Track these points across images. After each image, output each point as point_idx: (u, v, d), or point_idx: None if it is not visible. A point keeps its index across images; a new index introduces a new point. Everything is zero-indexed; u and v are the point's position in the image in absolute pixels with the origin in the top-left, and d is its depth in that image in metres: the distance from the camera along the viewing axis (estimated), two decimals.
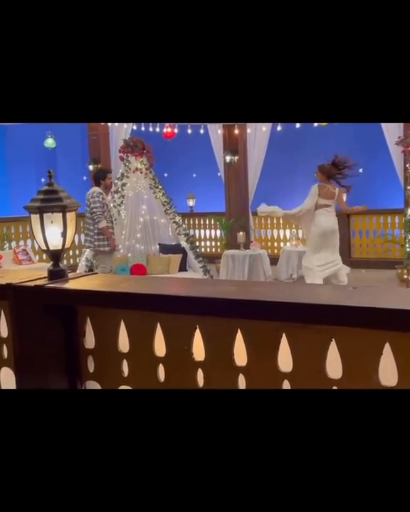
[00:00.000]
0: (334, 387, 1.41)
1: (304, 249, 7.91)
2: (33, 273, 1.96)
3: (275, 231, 9.91)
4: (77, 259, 8.58)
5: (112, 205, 7.26)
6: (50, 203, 1.80)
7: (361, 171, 9.92)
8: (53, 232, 1.82)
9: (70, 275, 1.90)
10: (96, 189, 6.39)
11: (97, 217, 6.18)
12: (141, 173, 7.29)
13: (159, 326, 1.65)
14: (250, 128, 9.10)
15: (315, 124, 8.31)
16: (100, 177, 6.50)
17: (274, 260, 8.19)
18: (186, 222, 9.34)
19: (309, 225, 6.34)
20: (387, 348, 1.35)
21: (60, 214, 1.81)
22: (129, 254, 7.35)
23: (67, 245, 1.86)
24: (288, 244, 8.84)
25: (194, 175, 11.19)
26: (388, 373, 1.37)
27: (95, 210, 6.19)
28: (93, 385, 1.81)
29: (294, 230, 9.15)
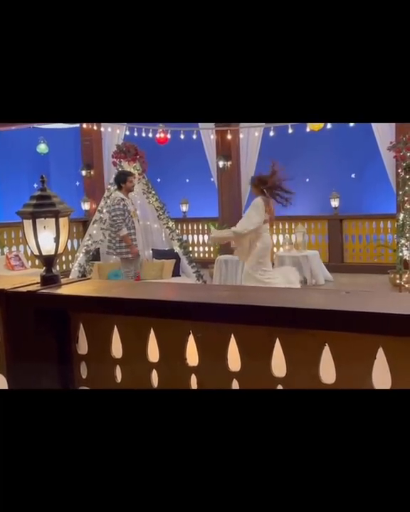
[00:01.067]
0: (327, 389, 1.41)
1: (297, 254, 7.94)
2: (26, 278, 1.96)
3: None
4: (70, 264, 8.56)
5: (104, 210, 7.26)
6: (42, 208, 1.80)
7: (353, 176, 10.00)
8: (46, 237, 1.82)
9: (63, 280, 1.90)
10: (117, 195, 6.28)
11: (117, 225, 6.08)
12: (134, 178, 7.29)
13: (152, 331, 1.64)
14: (243, 133, 9.13)
15: (307, 129, 8.34)
16: (121, 180, 6.31)
17: None
18: (179, 227, 9.35)
19: (247, 243, 5.76)
20: (380, 353, 1.36)
21: (53, 219, 1.81)
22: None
23: (60, 251, 1.86)
24: (282, 249, 8.86)
25: (187, 180, 11.21)
26: (381, 377, 1.37)
27: (115, 218, 6.10)
28: None
29: (287, 235, 9.18)
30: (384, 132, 8.27)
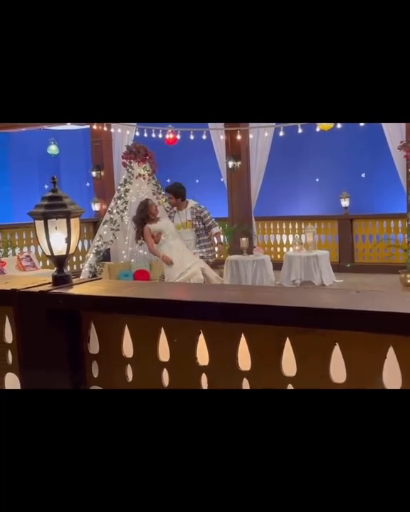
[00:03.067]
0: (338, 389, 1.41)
1: (307, 254, 7.92)
2: (38, 279, 1.97)
3: (277, 236, 9.92)
4: (81, 265, 8.60)
5: (114, 211, 7.29)
6: (54, 208, 1.82)
7: (363, 175, 9.96)
8: (57, 237, 1.83)
9: (74, 281, 1.91)
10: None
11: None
12: (144, 179, 7.32)
13: (162, 330, 1.65)
14: (253, 133, 9.12)
15: (317, 129, 8.32)
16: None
17: (277, 265, 8.19)
18: None
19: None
20: (391, 352, 1.36)
21: (65, 220, 1.82)
22: (132, 260, 7.37)
23: (71, 251, 1.87)
24: (291, 249, 8.84)
25: (197, 180, 11.22)
26: (392, 377, 1.37)
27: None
28: None
29: (297, 235, 9.16)
30: (394, 132, 8.23)
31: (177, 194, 6.27)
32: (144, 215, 5.99)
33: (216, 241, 6.46)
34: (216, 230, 6.33)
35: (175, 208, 6.39)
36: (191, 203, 6.35)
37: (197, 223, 6.25)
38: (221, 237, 6.52)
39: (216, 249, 6.52)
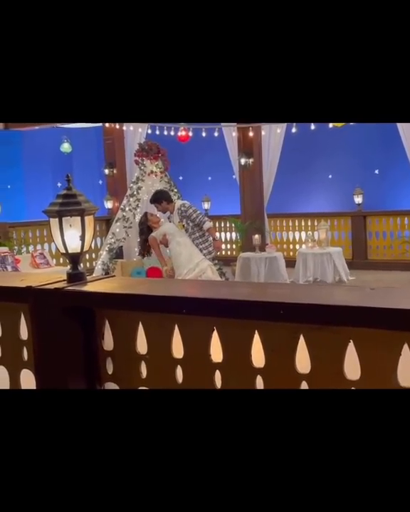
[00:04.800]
0: (353, 389, 1.41)
1: (321, 251, 7.89)
2: (53, 276, 1.99)
3: (290, 233, 9.89)
4: (93, 262, 8.64)
5: (127, 208, 7.32)
6: (68, 206, 1.83)
7: (377, 172, 9.89)
8: (72, 235, 1.85)
9: (88, 278, 1.93)
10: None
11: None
12: (156, 176, 7.34)
13: (176, 327, 1.66)
14: (265, 130, 9.10)
15: (330, 125, 8.28)
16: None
17: (290, 263, 8.17)
18: None
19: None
20: (406, 349, 1.35)
21: (79, 218, 1.83)
22: (144, 258, 7.39)
23: (85, 248, 1.88)
24: (304, 246, 8.82)
25: (209, 178, 11.22)
26: (406, 374, 1.37)
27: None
28: (112, 386, 1.82)
29: (310, 232, 9.13)
30: (408, 127, 8.16)
31: (159, 200, 6.19)
32: (145, 226, 6.20)
33: (210, 238, 6.16)
34: (207, 225, 6.06)
35: (168, 213, 6.34)
36: (177, 203, 6.24)
37: (186, 224, 6.08)
38: (216, 233, 6.29)
39: (213, 245, 6.16)
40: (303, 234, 9.53)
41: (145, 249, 6.28)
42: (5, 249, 7.65)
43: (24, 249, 8.43)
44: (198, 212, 6.17)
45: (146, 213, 6.38)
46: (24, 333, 1.93)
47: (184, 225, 6.10)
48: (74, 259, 1.89)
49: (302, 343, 1.47)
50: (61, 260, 8.36)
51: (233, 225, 9.80)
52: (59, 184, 9.07)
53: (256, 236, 8.04)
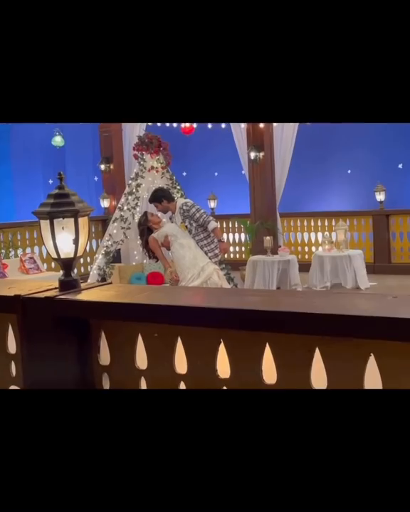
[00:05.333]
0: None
1: (339, 255, 7.89)
2: (43, 283, 2.00)
3: (305, 234, 9.89)
4: (89, 267, 8.66)
5: (125, 207, 7.34)
6: (61, 207, 1.84)
7: (400, 166, 9.88)
8: (65, 238, 1.86)
9: (83, 285, 1.94)
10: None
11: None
12: (157, 172, 7.36)
13: (179, 340, 1.66)
14: None
15: None
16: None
17: (305, 267, 8.17)
18: None
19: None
20: None
21: (72, 219, 1.85)
22: (145, 262, 7.41)
23: (79, 253, 1.89)
24: (320, 248, 8.82)
25: (216, 173, 11.24)
26: None
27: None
28: None
29: (326, 232, 9.12)
30: None
31: (159, 198, 6.16)
32: (146, 226, 6.15)
33: (216, 239, 6.09)
34: (212, 225, 6.01)
35: (170, 213, 6.30)
36: (179, 202, 6.22)
37: (189, 225, 6.05)
38: (222, 235, 6.21)
39: (219, 248, 6.08)
40: (319, 235, 9.53)
41: (148, 250, 6.23)
42: None
43: (12, 253, 8.46)
44: (202, 211, 6.15)
45: (146, 213, 6.36)
46: (12, 346, 1.94)
47: (186, 226, 6.08)
48: (67, 264, 1.90)
49: (317, 357, 1.47)
50: (53, 265, 8.40)
51: (241, 225, 9.81)
52: (51, 181, 9.12)
53: (267, 238, 8.04)
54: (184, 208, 6.09)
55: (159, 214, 6.45)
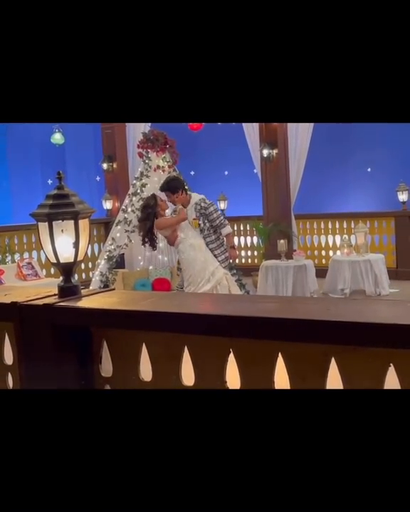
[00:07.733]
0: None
1: (358, 259, 7.87)
2: (41, 290, 2.02)
3: (322, 237, 9.87)
4: (90, 273, 8.69)
5: (129, 209, 7.37)
6: (60, 209, 1.85)
7: None
8: (64, 242, 1.87)
9: (83, 292, 1.95)
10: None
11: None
12: (163, 171, 7.37)
13: (186, 350, 1.67)
14: None
15: None
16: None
17: (322, 272, 8.15)
18: None
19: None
20: None
21: (72, 222, 1.86)
22: (151, 267, 7.43)
23: (79, 257, 1.91)
24: (338, 252, 8.80)
25: (226, 172, 11.25)
26: None
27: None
28: None
29: (345, 235, 9.10)
30: None
31: (173, 188, 6.02)
32: (154, 210, 5.93)
33: (226, 243, 6.08)
34: (227, 230, 6.06)
35: (174, 207, 6.19)
36: (195, 197, 6.15)
37: (202, 223, 6.00)
38: (234, 240, 6.12)
39: (228, 253, 6.04)
40: (337, 238, 9.51)
41: (150, 238, 6.00)
42: None
43: (9, 258, 8.50)
44: (219, 213, 6.14)
45: (154, 196, 6.15)
46: (9, 356, 1.95)
47: (199, 224, 6.00)
48: (66, 269, 1.91)
49: (333, 367, 1.48)
50: (52, 271, 8.43)
51: (253, 228, 9.81)
52: (50, 181, 9.16)
53: (282, 241, 8.04)
54: (202, 204, 6.05)
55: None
